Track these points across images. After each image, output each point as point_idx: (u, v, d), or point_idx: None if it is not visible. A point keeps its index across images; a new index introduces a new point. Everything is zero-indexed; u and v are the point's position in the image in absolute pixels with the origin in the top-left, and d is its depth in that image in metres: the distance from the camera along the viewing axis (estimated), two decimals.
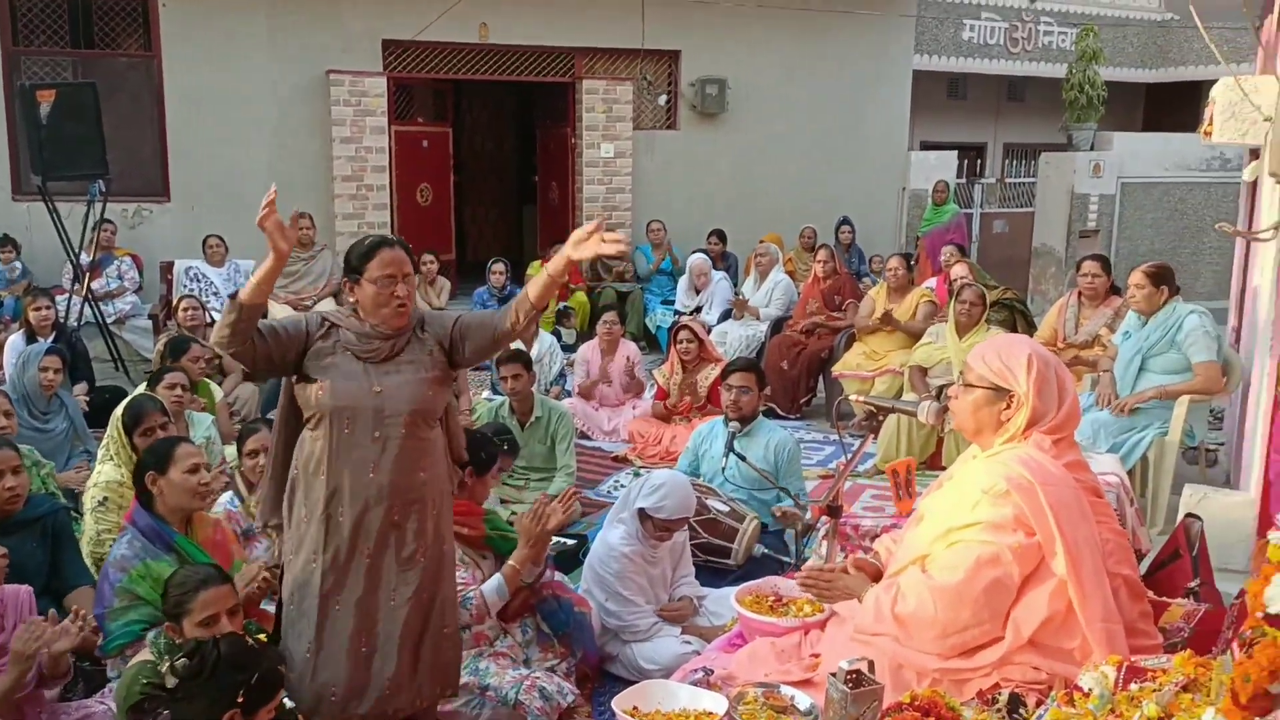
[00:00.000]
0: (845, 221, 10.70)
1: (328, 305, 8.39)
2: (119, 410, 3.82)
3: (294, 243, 2.75)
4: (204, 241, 8.64)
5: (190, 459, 3.15)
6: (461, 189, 11.66)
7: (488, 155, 13.61)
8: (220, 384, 6.17)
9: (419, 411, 2.85)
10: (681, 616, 3.79)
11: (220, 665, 2.12)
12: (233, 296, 2.68)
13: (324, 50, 9.62)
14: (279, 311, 8.34)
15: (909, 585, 2.48)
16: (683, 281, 9.56)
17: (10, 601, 3.00)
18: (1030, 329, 6.74)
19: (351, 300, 2.87)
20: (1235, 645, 1.85)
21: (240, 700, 2.08)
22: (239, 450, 4.09)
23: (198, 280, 8.51)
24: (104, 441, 3.86)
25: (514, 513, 5.07)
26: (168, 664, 2.24)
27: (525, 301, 2.80)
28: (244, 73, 9.43)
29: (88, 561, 3.56)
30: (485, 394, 6.90)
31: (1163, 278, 5.21)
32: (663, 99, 11.24)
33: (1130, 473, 4.69)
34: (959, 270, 7.47)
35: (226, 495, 3.84)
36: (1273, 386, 3.24)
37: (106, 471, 3.66)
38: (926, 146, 13.84)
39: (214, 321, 7.35)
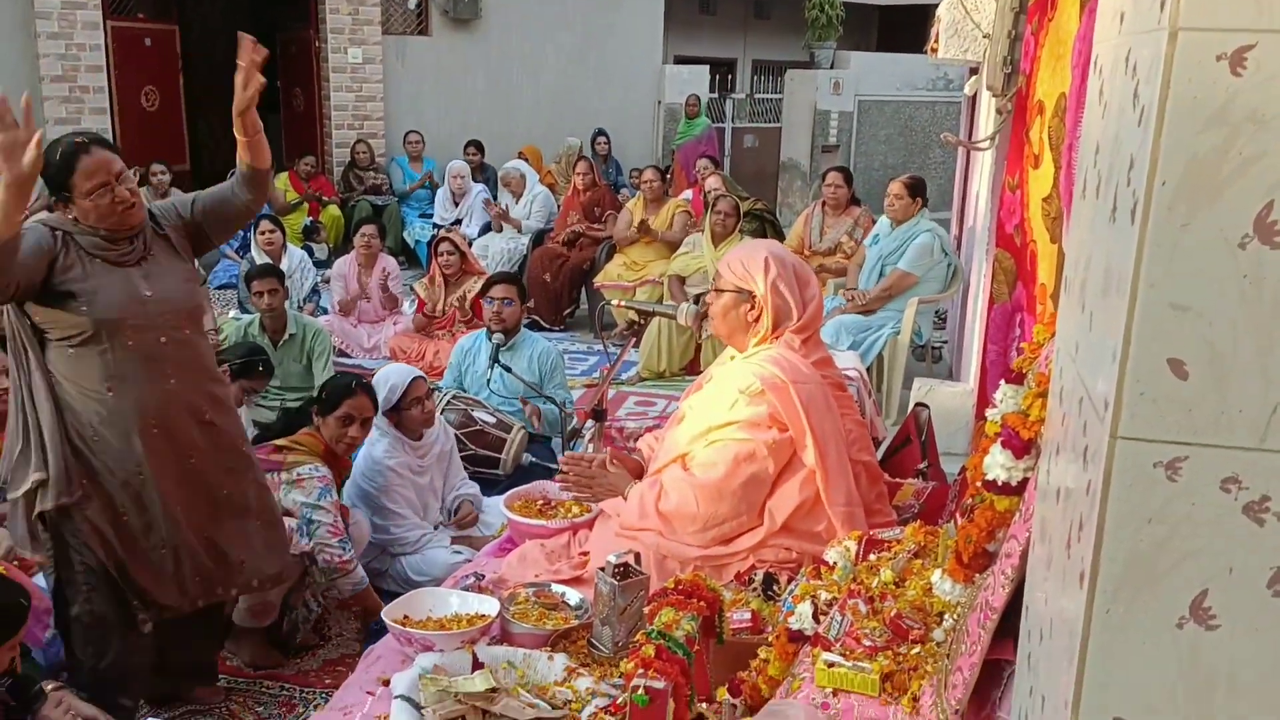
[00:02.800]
0: (601, 133, 10.74)
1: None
2: None
3: (36, 165, 2.33)
4: None
5: None
6: (194, 95, 10.77)
7: (221, 58, 12.58)
8: None
9: (195, 310, 2.79)
10: (469, 522, 3.84)
11: None
12: None
13: None
14: None
15: (672, 483, 2.58)
16: (441, 194, 9.32)
17: None
18: (780, 239, 7.07)
19: (70, 218, 2.59)
20: (958, 515, 2.05)
21: None
22: None
23: None
24: None
25: None
26: None
27: (245, 171, 2.72)
28: None
29: None
30: (233, 312, 6.51)
31: (918, 190, 5.66)
32: (413, 3, 10.77)
33: (868, 369, 5.07)
34: (713, 182, 7.70)
35: None
36: (989, 285, 3.56)
37: None
38: (680, 61, 14.05)
39: None
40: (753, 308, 2.63)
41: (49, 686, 2.15)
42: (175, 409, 2.69)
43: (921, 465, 3.24)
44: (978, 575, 1.73)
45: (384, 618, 2.38)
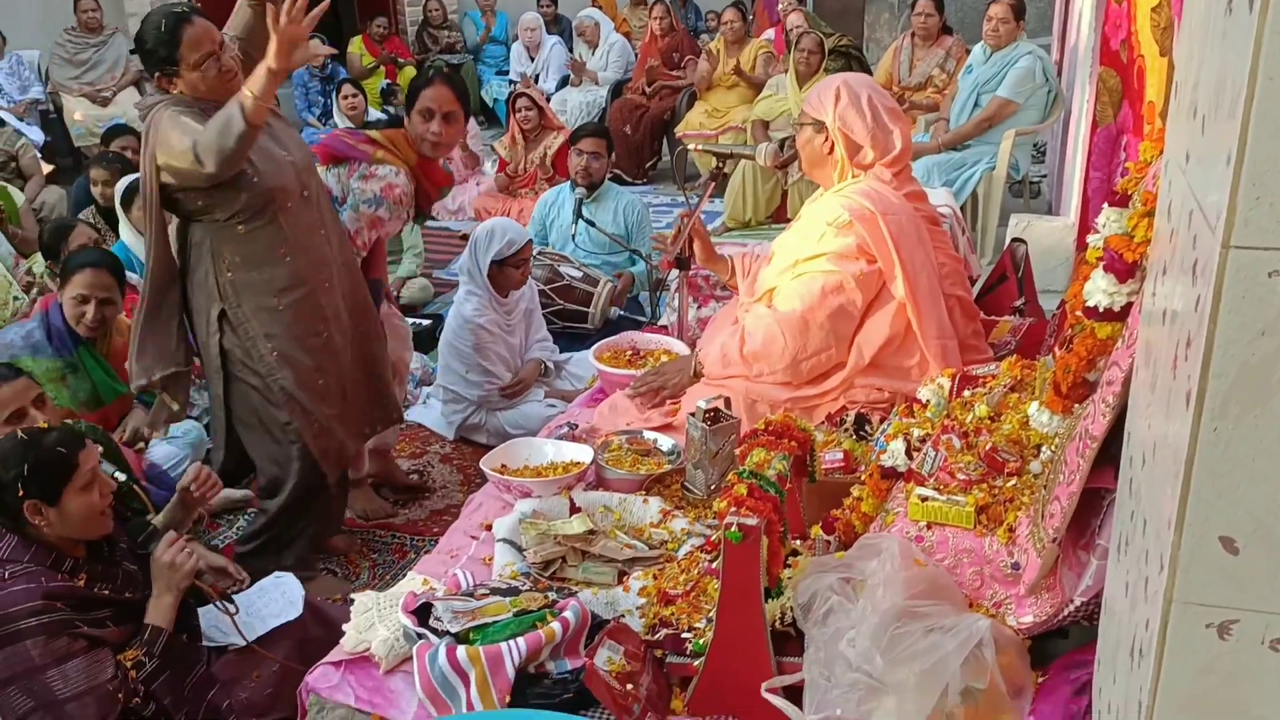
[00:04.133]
0: None
1: (129, 96, 7.70)
2: None
3: (298, 62, 2.41)
4: None
5: (87, 308, 3.06)
6: None
7: None
8: (21, 189, 5.67)
9: (313, 165, 2.82)
10: (524, 387, 3.85)
11: None
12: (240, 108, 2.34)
13: None
14: (77, 107, 7.64)
15: (755, 322, 2.56)
16: (516, 48, 9.15)
17: None
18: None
19: (176, 92, 2.56)
20: (1056, 348, 1.99)
21: (22, 493, 1.99)
22: (57, 251, 3.84)
23: None
24: None
25: None
26: None
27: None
28: None
29: None
30: None
31: (1020, 11, 5.31)
32: None
33: (961, 207, 4.90)
34: (795, 19, 7.36)
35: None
36: (1092, 108, 3.36)
37: None
38: None
39: (2, 123, 6.65)
40: (826, 139, 2.56)
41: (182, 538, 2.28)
42: (333, 262, 2.78)
43: (1018, 302, 3.15)
44: (1076, 406, 1.69)
45: (483, 466, 2.46)
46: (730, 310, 2.93)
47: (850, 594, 1.71)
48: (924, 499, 1.79)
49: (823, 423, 2.43)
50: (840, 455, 2.25)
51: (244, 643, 2.39)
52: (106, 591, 2.06)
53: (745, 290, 2.80)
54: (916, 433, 2.01)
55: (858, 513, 2.02)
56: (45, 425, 2.10)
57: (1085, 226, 3.41)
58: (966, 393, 2.08)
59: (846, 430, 2.37)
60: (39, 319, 3.08)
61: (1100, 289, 1.51)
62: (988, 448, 1.80)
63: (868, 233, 2.43)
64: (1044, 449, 1.76)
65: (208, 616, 2.43)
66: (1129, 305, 1.52)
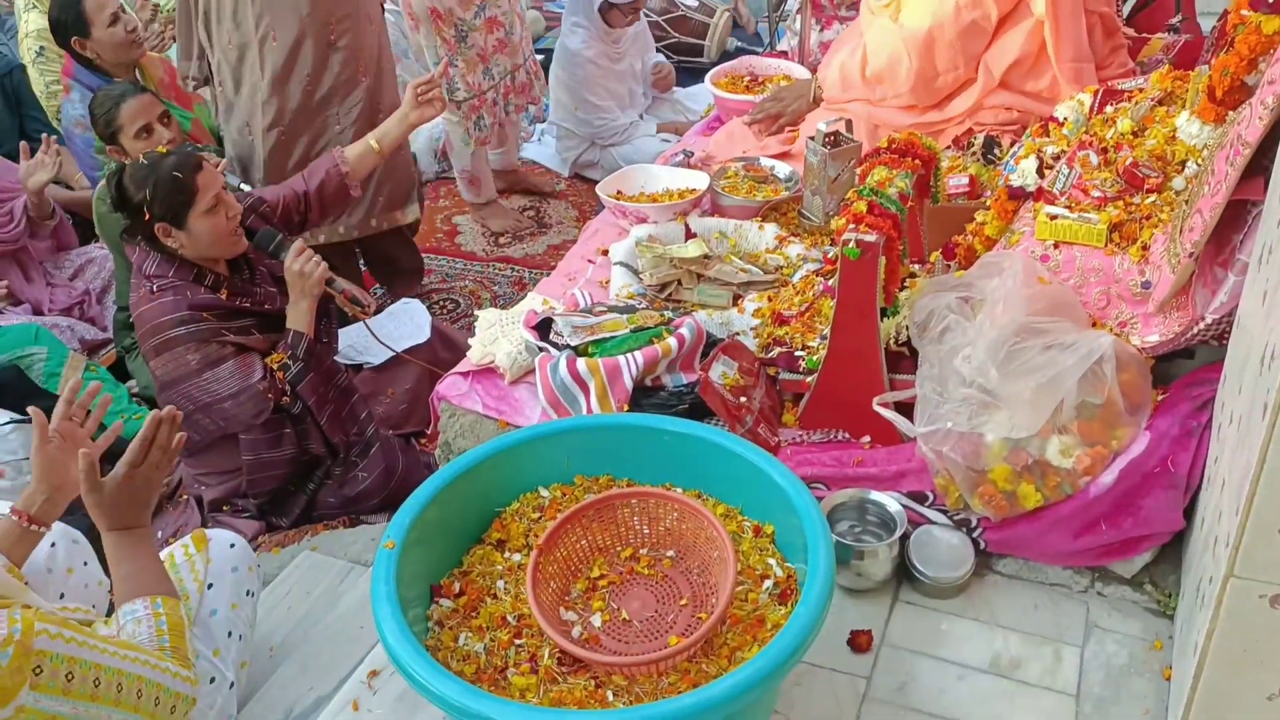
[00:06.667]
0: None
1: None
2: None
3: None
4: None
5: (105, 10, 2.93)
6: None
7: None
8: None
9: None
10: (668, 82, 3.91)
11: (122, 188, 2.10)
12: None
13: None
14: None
15: (878, 40, 2.40)
16: None
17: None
18: None
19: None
20: (1213, 58, 1.83)
21: (148, 216, 2.06)
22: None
23: None
24: None
25: None
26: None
27: None
28: None
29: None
30: None
31: None
32: None
33: None
34: None
35: None
36: None
37: (33, 20, 3.42)
38: None
39: None
40: None
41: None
42: (305, 26, 2.73)
43: (1174, 19, 2.88)
44: (1230, 114, 1.57)
45: (599, 192, 2.46)
46: (854, 30, 2.76)
47: (968, 313, 1.69)
48: (1053, 217, 1.73)
49: (948, 147, 2.33)
50: (965, 180, 2.16)
51: (378, 361, 2.54)
52: (247, 304, 2.17)
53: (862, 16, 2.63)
54: (1050, 150, 1.91)
55: (980, 236, 1.97)
56: (164, 150, 2.14)
57: None
58: (1109, 108, 1.95)
59: (974, 154, 2.26)
60: (75, 87, 3.02)
61: None
62: (1128, 163, 1.71)
63: None
64: (1189, 164, 1.65)
65: (345, 336, 2.56)
66: None
